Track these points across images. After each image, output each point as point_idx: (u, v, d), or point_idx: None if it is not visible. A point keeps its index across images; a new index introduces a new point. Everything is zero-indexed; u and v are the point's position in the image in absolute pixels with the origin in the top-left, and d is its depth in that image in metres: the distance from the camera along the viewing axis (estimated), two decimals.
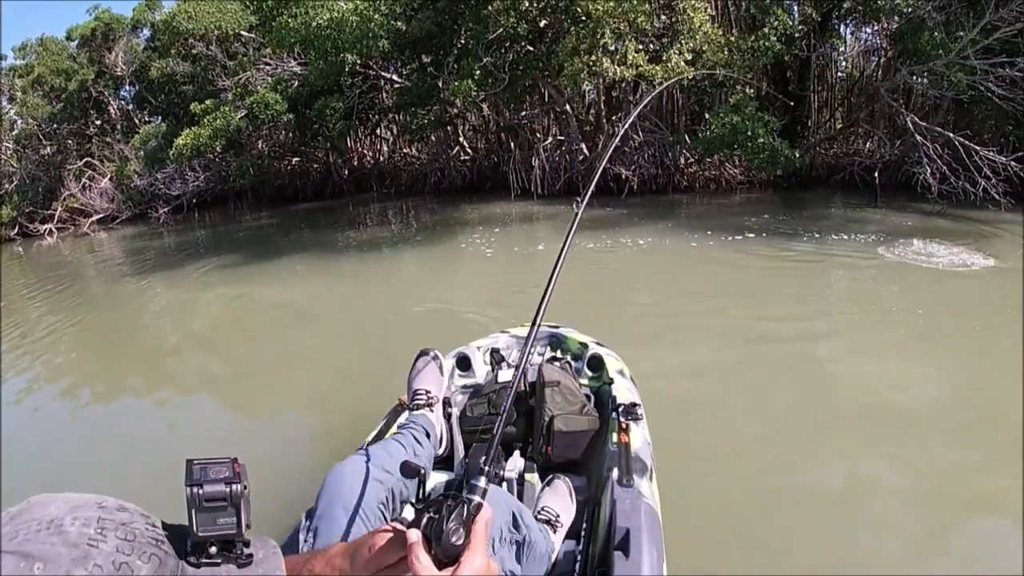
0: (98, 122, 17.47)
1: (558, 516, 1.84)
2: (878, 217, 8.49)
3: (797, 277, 5.93)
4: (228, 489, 0.62)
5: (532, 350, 2.06)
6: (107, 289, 8.85)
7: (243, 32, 13.77)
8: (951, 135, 8.93)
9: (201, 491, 0.61)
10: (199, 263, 9.18)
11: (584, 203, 1.57)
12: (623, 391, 2.21)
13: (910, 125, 9.38)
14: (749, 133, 9.01)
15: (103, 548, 0.55)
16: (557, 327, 2.75)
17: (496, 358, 2.47)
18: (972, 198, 8.26)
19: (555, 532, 1.81)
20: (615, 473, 1.73)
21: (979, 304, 4.75)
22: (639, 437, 1.93)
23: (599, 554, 1.62)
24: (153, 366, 5.30)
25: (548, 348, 2.67)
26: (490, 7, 9.39)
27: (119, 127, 17.20)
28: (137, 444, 3.69)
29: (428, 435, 1.87)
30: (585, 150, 10.97)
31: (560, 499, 1.91)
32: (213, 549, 0.61)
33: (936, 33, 8.95)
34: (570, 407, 2.11)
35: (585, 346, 2.58)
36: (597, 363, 2.45)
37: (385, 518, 1.42)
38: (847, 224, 7.95)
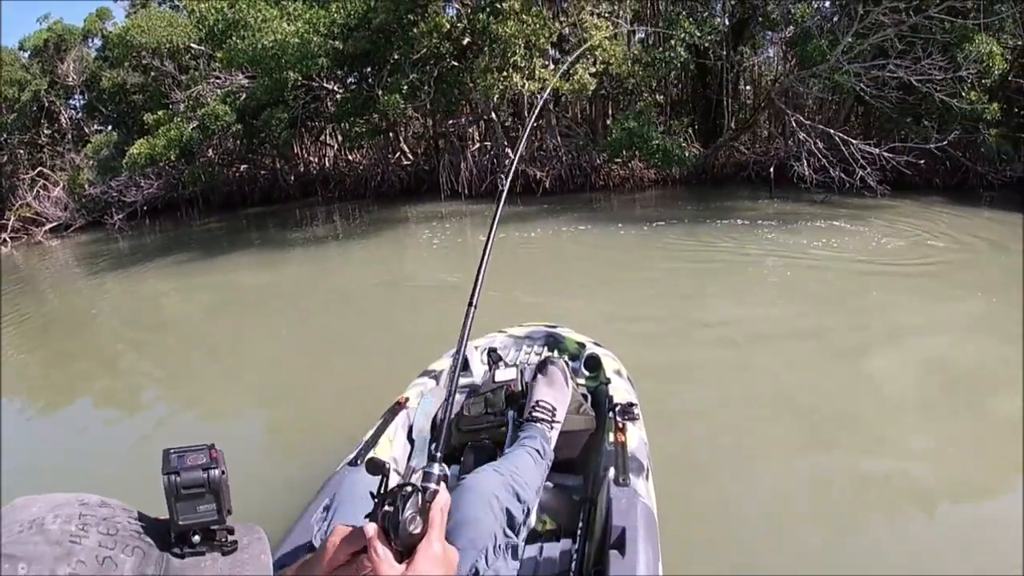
0: (48, 131, 19.80)
1: (554, 411, 2.05)
2: (769, 206, 11.06)
3: (700, 261, 7.68)
4: (206, 476, 0.69)
5: (530, 350, 2.88)
6: (64, 291, 10.27)
7: (193, 45, 16.27)
8: (831, 131, 11.59)
9: (178, 479, 0.68)
10: (155, 264, 10.95)
11: (509, 179, 1.82)
12: (620, 391, 2.44)
13: (793, 124, 12.08)
14: (644, 137, 11.66)
15: (85, 544, 0.61)
16: (555, 327, 3.09)
17: (493, 357, 2.71)
18: (848, 186, 10.77)
19: (552, 429, 2.00)
20: (611, 472, 1.90)
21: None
22: (635, 437, 2.12)
23: (595, 553, 1.79)
24: (126, 366, 5.98)
25: (545, 348, 2.98)
26: (415, 29, 12.02)
27: (69, 136, 19.63)
28: (113, 443, 4.19)
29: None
30: (511, 153, 13.58)
31: (556, 388, 2.13)
32: (196, 538, 0.68)
33: (821, 40, 11.63)
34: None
35: (582, 346, 2.86)
36: (594, 363, 2.71)
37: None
38: (738, 212, 10.35)
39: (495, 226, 1.46)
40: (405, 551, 0.83)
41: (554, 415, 2.05)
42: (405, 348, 4.98)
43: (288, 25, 12.18)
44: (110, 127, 19.27)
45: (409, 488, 0.87)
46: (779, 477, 3.10)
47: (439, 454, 0.98)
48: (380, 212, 13.67)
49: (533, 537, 1.99)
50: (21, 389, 5.60)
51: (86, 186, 17.32)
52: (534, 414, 2.04)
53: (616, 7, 13.36)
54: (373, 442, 2.19)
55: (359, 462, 2.02)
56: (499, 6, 11.23)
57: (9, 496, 0.65)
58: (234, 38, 12.14)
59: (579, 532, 1.97)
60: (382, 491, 0.91)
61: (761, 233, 8.66)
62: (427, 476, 0.92)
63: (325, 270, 9.33)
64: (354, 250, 10.46)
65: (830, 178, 11.00)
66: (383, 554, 0.82)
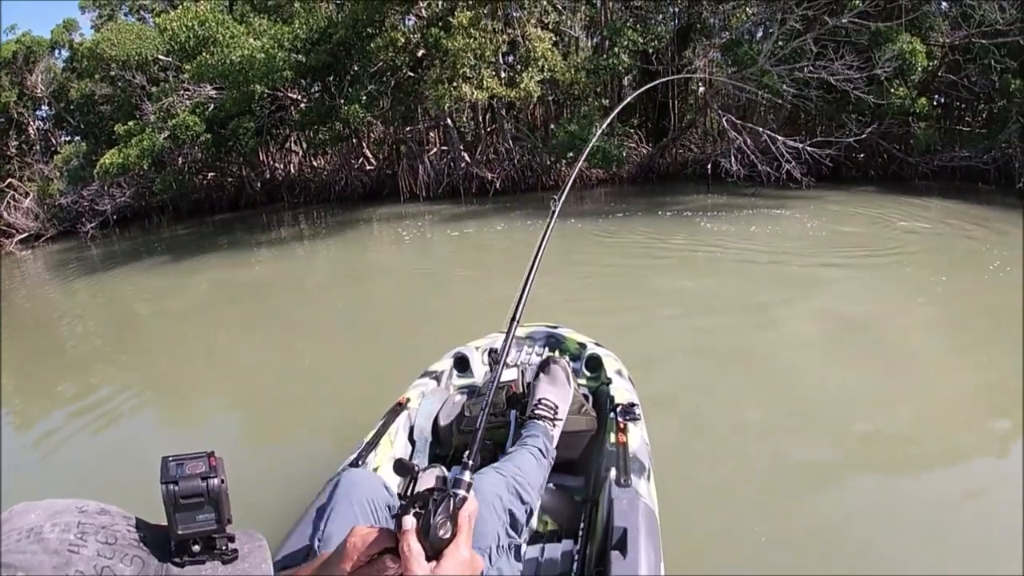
0: (16, 143, 21.22)
1: (556, 408, 2.23)
2: (705, 200, 12.83)
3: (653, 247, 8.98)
4: (204, 485, 0.72)
5: (531, 350, 3.09)
6: (38, 299, 10.89)
7: (161, 56, 17.85)
8: (759, 129, 13.48)
9: (177, 488, 0.71)
10: (130, 269, 11.85)
11: (560, 202, 2.03)
12: (621, 391, 2.59)
13: (725, 124, 14.01)
14: (584, 139, 13.53)
15: (84, 553, 0.64)
16: (556, 327, 3.23)
17: (494, 358, 2.81)
18: (774, 179, 12.56)
19: (554, 427, 2.18)
20: (613, 473, 2.04)
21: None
22: (637, 437, 2.27)
23: (597, 554, 1.91)
24: (117, 371, 6.20)
25: (546, 348, 3.10)
26: (373, 44, 13.86)
27: (38, 147, 20.96)
28: (111, 445, 4.32)
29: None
30: (467, 158, 15.46)
31: (558, 387, 2.31)
32: (196, 547, 0.71)
33: (751, 46, 13.52)
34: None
35: (583, 346, 3.01)
36: (595, 363, 2.86)
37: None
38: (676, 205, 12.17)
39: (536, 263, 1.53)
40: (432, 553, 0.89)
41: (556, 413, 2.21)
42: (400, 344, 5.55)
43: (255, 40, 13.86)
44: (78, 138, 20.63)
45: (440, 494, 0.94)
46: (777, 474, 3.27)
47: (471, 462, 1.03)
48: (346, 215, 15.21)
49: (535, 538, 2.13)
50: (8, 396, 5.72)
51: (57, 196, 18.70)
52: (536, 412, 2.20)
53: (564, 17, 15.30)
54: (374, 443, 2.30)
55: (360, 464, 2.15)
56: (450, 20, 13.11)
57: (5, 501, 0.64)
58: (204, 54, 13.87)
59: (581, 533, 2.10)
60: (409, 493, 1.00)
61: (697, 223, 10.34)
62: (457, 483, 0.98)
63: (300, 268, 10.63)
64: (324, 250, 11.76)
65: (757, 172, 12.79)
66: (416, 549, 0.88)
